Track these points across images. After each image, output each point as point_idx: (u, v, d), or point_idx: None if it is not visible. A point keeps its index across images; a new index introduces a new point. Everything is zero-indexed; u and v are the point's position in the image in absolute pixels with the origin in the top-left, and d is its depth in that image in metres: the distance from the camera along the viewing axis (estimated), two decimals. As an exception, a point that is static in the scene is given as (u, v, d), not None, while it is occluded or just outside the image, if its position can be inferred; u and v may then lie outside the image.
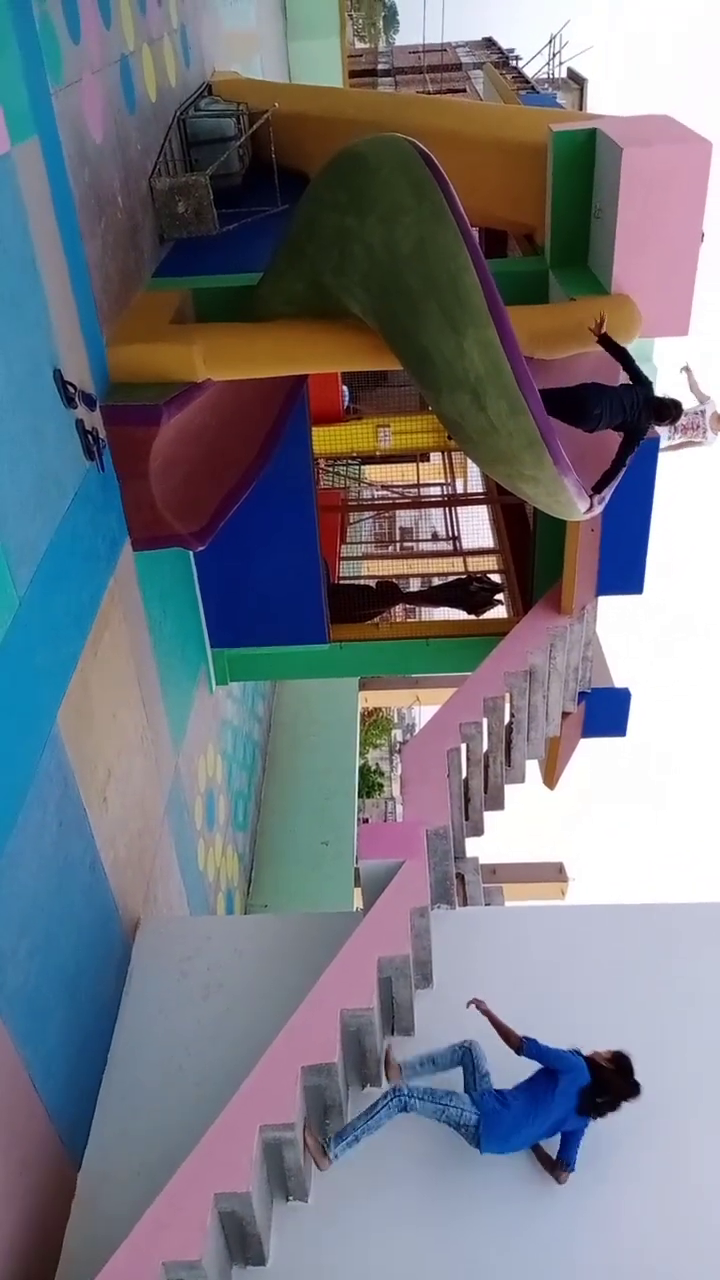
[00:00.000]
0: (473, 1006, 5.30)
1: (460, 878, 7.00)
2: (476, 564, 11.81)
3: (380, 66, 27.12)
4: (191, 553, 8.44)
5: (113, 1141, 5.48)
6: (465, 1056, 5.21)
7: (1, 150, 4.90)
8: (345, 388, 15.02)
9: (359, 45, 45.69)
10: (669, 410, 6.55)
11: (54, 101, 5.58)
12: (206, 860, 9.39)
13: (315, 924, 6.44)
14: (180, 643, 8.40)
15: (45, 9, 5.53)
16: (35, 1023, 5.01)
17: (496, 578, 10.78)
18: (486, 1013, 5.27)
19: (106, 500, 6.40)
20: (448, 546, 13.08)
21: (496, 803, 8.09)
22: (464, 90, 20.52)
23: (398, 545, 18.51)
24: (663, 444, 7.40)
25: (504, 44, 24.38)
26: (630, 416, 6.40)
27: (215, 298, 7.28)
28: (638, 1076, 5.06)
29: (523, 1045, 5.13)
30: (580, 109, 18.95)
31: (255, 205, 8.24)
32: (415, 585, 13.32)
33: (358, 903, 11.30)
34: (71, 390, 5.71)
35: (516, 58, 23.27)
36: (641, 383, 6.42)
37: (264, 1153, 4.78)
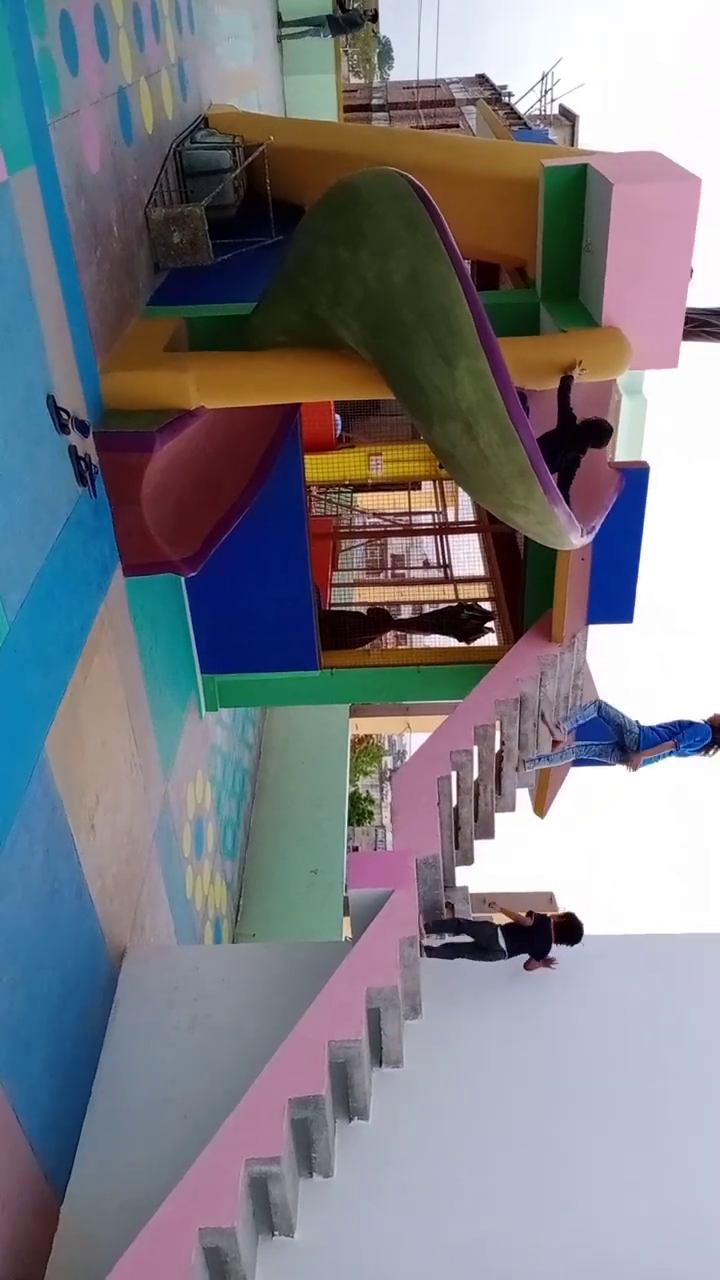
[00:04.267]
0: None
1: (450, 907, 6.96)
2: (467, 592, 11.84)
3: (375, 101, 27.54)
4: (183, 578, 8.44)
5: (96, 1174, 5.40)
6: (601, 710, 7.49)
7: (-1, 179, 4.94)
8: (338, 416, 15.11)
9: (354, 80, 46.33)
10: (598, 432, 6.74)
11: (51, 131, 5.64)
12: (195, 888, 9.32)
13: (304, 953, 6.39)
14: (171, 668, 8.38)
15: (44, 41, 5.60)
16: (19, 1053, 4.94)
17: (487, 605, 10.81)
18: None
19: (98, 526, 6.41)
20: (439, 574, 13.12)
21: (487, 831, 8.06)
22: (457, 126, 20.85)
23: (389, 572, 18.58)
24: None
25: (497, 80, 24.79)
26: (565, 457, 6.66)
27: (209, 327, 7.34)
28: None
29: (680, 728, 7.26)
30: (572, 145, 19.23)
31: (250, 236, 8.32)
32: (406, 612, 13.34)
33: (347, 932, 11.24)
34: (65, 416, 5.73)
35: (509, 94, 23.66)
36: (565, 421, 6.64)
37: (250, 1187, 4.71)
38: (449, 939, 6.29)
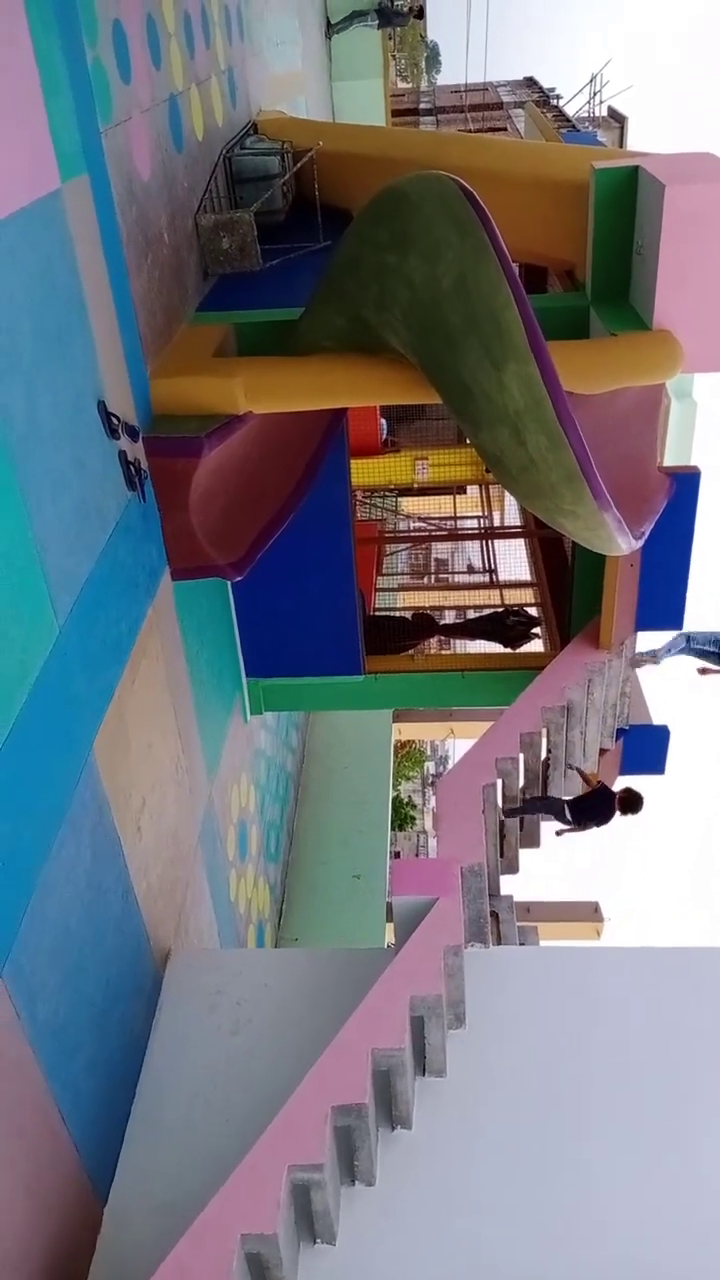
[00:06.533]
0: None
1: (494, 916, 6.91)
2: (513, 597, 11.76)
3: (422, 105, 27.50)
4: (229, 583, 8.47)
5: (139, 1176, 5.42)
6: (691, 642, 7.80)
7: (52, 187, 5.00)
8: (383, 421, 15.11)
9: (401, 85, 46.37)
10: None
11: (104, 140, 5.70)
12: (238, 891, 9.35)
13: (346, 960, 6.37)
14: (216, 672, 8.42)
15: (97, 50, 5.66)
16: (64, 1054, 4.98)
17: (534, 611, 10.72)
18: None
19: (147, 530, 6.46)
20: (484, 579, 13.06)
21: (532, 840, 8.00)
22: (505, 129, 20.75)
23: (433, 577, 18.51)
24: None
25: (545, 83, 24.65)
26: None
27: (257, 332, 7.36)
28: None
29: None
30: (621, 147, 19.05)
31: (298, 242, 8.35)
32: (451, 617, 13.28)
33: (389, 938, 11.19)
34: (115, 422, 5.78)
35: (557, 96, 23.50)
36: None
37: (292, 1194, 4.69)
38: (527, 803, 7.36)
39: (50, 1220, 4.78)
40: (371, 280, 6.16)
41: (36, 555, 4.79)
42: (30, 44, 4.76)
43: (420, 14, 20.32)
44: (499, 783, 7.15)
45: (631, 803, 7.23)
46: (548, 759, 7.79)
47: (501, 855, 7.60)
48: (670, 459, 7.82)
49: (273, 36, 11.93)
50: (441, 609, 13.85)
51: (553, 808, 7.30)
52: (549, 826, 8.11)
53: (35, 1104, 4.66)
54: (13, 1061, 4.45)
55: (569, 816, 7.27)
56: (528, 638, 10.15)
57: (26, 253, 4.73)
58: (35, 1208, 4.64)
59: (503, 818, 7.17)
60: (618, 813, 7.27)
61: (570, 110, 21.77)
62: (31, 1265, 4.59)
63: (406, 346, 6.27)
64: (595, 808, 7.26)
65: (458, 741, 21.76)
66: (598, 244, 6.97)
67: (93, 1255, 5.09)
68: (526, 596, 11.69)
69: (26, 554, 4.70)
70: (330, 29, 17.56)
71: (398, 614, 12.25)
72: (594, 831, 7.78)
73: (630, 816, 7.26)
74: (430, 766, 42.02)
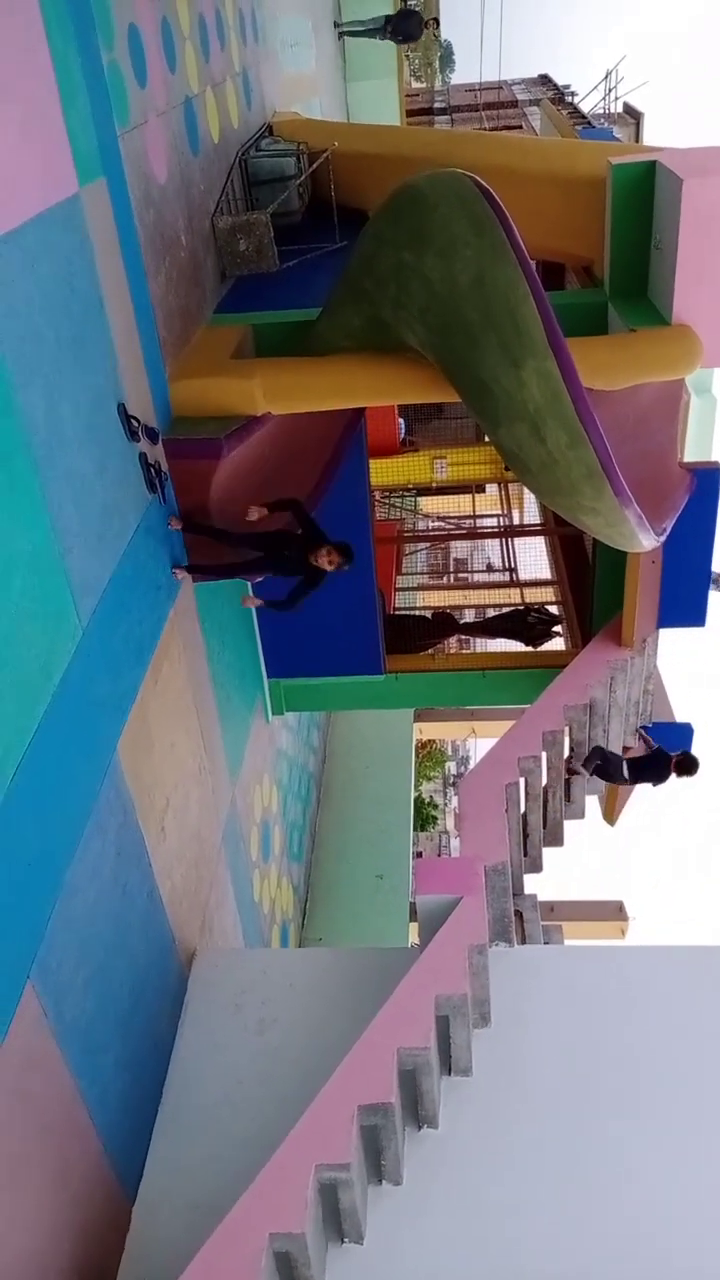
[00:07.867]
0: None
1: (518, 915, 6.88)
2: (534, 595, 11.73)
3: (436, 105, 27.46)
4: (250, 584, 8.48)
5: (167, 1175, 5.44)
6: None
7: (70, 191, 5.03)
8: (401, 420, 15.10)
9: (415, 85, 46.30)
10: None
11: (120, 143, 5.73)
12: (261, 891, 9.36)
13: (370, 959, 6.37)
14: (238, 673, 8.44)
15: (113, 54, 5.69)
16: (91, 1053, 5.01)
17: (554, 609, 10.69)
18: None
19: (167, 532, 6.48)
20: (504, 577, 13.03)
21: (555, 839, 7.96)
22: (520, 126, 20.70)
23: (452, 576, 18.48)
24: None
25: (559, 80, 24.56)
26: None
27: (275, 333, 7.38)
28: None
29: None
30: (637, 143, 18.96)
31: (315, 242, 8.36)
32: (470, 616, 13.25)
33: (413, 938, 11.19)
34: (135, 424, 5.80)
35: (572, 94, 23.40)
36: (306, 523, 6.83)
37: (319, 1193, 4.70)
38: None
39: (79, 1217, 4.80)
40: (389, 279, 6.16)
41: (59, 558, 4.82)
42: (47, 48, 4.79)
43: (435, 26, 20.35)
44: (522, 781, 7.12)
45: (687, 765, 7.36)
46: (570, 756, 7.76)
47: (525, 854, 7.58)
48: (691, 455, 7.76)
49: (286, 38, 11.95)
50: (461, 608, 13.83)
51: (611, 765, 7.48)
52: (572, 825, 8.09)
53: (63, 1102, 4.69)
54: (41, 1060, 4.48)
55: (626, 774, 7.48)
56: (549, 636, 10.12)
57: (46, 257, 4.76)
58: (64, 1205, 4.67)
59: (566, 775, 7.47)
60: (673, 774, 7.43)
61: (585, 107, 21.68)
62: (61, 1261, 4.62)
63: (424, 345, 6.26)
64: (652, 767, 7.46)
65: (479, 741, 21.69)
66: (615, 240, 6.94)
67: (122, 1253, 5.11)
68: (547, 595, 11.65)
69: (49, 557, 4.72)
70: (341, 28, 17.54)
71: (418, 613, 12.24)
72: (648, 789, 8.03)
73: (685, 778, 7.40)
74: (451, 766, 41.95)
